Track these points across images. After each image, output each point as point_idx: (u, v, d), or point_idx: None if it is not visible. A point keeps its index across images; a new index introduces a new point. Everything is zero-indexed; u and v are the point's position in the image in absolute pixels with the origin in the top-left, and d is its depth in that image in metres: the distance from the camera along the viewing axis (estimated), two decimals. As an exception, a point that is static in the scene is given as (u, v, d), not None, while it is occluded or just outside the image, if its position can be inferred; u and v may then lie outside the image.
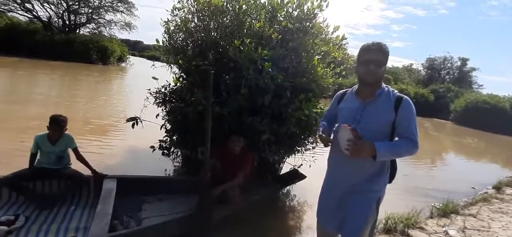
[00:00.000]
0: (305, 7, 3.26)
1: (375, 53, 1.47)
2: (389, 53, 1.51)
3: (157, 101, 3.59)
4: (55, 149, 2.61)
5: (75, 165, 2.76)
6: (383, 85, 1.56)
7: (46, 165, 2.61)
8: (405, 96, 1.51)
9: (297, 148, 3.55)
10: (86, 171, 2.73)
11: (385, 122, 1.49)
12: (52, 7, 24.27)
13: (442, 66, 32.85)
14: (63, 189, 2.66)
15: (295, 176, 3.45)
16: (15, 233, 2.11)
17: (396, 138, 1.53)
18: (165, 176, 3.77)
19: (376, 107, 1.51)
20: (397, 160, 1.65)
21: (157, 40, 3.58)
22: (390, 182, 1.65)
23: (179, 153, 3.89)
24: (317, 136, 3.42)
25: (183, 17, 3.45)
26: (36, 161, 2.63)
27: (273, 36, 3.03)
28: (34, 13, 23.80)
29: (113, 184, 2.54)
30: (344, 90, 1.75)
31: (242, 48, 2.86)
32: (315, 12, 3.29)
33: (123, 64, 25.78)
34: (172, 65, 3.65)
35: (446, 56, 32.42)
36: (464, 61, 31.76)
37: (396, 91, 1.54)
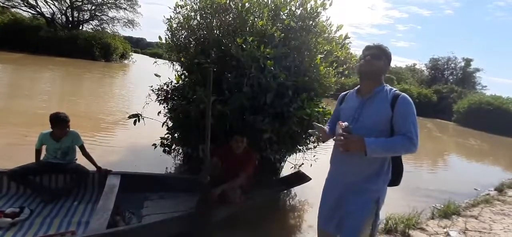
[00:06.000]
0: (309, 5, 3.26)
1: (372, 49, 1.55)
2: (390, 55, 1.56)
3: (159, 98, 3.61)
4: (60, 146, 2.66)
5: (80, 160, 2.79)
6: (383, 84, 1.56)
7: (52, 160, 2.67)
8: (402, 93, 1.50)
9: (299, 147, 3.55)
10: (91, 167, 2.76)
11: (382, 119, 1.48)
12: (56, 3, 24.34)
13: (445, 66, 32.59)
14: (69, 183, 2.70)
15: (300, 178, 3.34)
16: (19, 225, 2.15)
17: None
18: (168, 174, 3.79)
19: (373, 104, 1.52)
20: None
21: (159, 38, 3.59)
22: (396, 184, 1.61)
23: (181, 150, 3.91)
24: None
25: (186, 15, 3.45)
26: (43, 156, 2.69)
27: (275, 34, 3.02)
28: (38, 9, 23.90)
29: (117, 180, 2.56)
30: (346, 92, 1.77)
31: (244, 46, 2.85)
32: (318, 10, 3.28)
33: (125, 61, 25.82)
34: (174, 63, 3.67)
35: (450, 57, 32.19)
36: (468, 61, 31.50)
37: (395, 89, 1.54)
